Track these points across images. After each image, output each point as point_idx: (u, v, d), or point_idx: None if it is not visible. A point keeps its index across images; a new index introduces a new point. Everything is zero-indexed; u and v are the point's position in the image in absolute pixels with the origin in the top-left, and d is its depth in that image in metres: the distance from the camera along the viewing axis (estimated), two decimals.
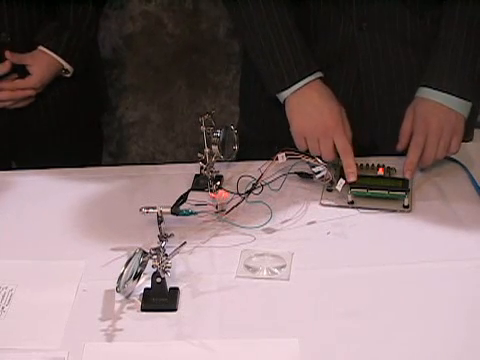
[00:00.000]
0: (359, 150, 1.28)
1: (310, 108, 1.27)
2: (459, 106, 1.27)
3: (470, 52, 1.26)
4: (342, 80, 1.31)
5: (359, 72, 1.35)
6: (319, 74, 1.28)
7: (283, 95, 1.29)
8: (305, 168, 1.27)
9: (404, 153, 1.28)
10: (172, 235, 1.06)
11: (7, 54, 1.46)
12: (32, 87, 1.49)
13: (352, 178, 1.22)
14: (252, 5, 1.29)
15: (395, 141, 1.30)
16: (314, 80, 1.28)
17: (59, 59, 1.50)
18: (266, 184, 1.22)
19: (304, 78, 1.27)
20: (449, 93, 1.26)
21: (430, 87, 1.27)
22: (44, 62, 1.49)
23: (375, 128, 1.40)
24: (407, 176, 1.24)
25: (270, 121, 1.45)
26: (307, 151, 1.27)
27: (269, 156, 1.21)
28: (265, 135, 1.47)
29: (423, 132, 1.25)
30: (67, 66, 1.52)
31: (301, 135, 1.27)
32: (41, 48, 1.50)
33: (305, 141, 1.27)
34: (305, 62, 1.28)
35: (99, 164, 1.77)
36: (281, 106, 1.31)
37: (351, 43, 1.33)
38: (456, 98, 1.26)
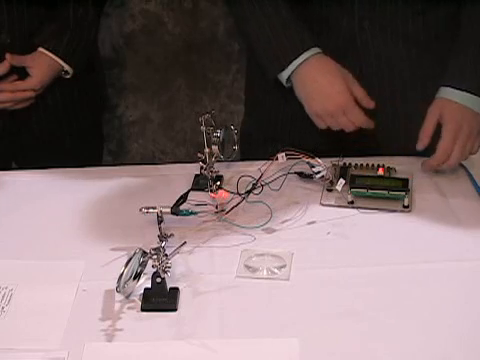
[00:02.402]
0: (360, 149, 1.28)
1: (316, 88, 1.27)
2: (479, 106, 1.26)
3: None
4: None
5: (361, 71, 1.34)
6: (316, 50, 1.28)
7: (284, 76, 1.29)
8: (305, 168, 1.26)
9: (412, 153, 1.28)
10: (172, 235, 1.06)
11: (7, 56, 1.45)
12: (32, 88, 1.49)
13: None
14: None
15: (396, 140, 1.30)
16: (312, 56, 1.27)
17: (59, 61, 1.50)
18: (266, 184, 1.22)
19: (300, 55, 1.27)
20: (474, 94, 1.25)
21: (454, 87, 1.26)
22: (44, 64, 1.49)
23: (376, 127, 1.40)
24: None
25: (275, 118, 1.45)
26: (325, 129, 1.29)
27: (273, 154, 1.21)
28: (270, 132, 1.47)
29: (453, 138, 1.24)
30: (67, 68, 1.51)
31: (316, 116, 1.28)
32: (41, 50, 1.49)
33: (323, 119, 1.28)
34: (299, 40, 1.28)
35: (99, 163, 1.77)
36: (286, 102, 1.30)
37: (353, 42, 1.33)
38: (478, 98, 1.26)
